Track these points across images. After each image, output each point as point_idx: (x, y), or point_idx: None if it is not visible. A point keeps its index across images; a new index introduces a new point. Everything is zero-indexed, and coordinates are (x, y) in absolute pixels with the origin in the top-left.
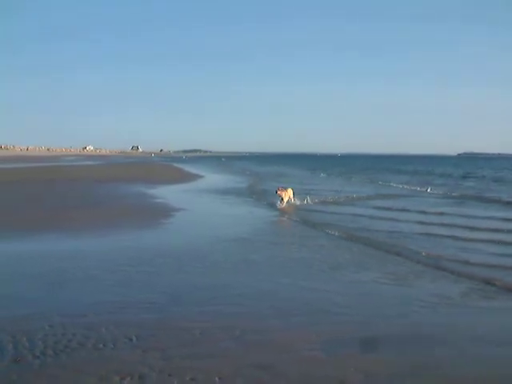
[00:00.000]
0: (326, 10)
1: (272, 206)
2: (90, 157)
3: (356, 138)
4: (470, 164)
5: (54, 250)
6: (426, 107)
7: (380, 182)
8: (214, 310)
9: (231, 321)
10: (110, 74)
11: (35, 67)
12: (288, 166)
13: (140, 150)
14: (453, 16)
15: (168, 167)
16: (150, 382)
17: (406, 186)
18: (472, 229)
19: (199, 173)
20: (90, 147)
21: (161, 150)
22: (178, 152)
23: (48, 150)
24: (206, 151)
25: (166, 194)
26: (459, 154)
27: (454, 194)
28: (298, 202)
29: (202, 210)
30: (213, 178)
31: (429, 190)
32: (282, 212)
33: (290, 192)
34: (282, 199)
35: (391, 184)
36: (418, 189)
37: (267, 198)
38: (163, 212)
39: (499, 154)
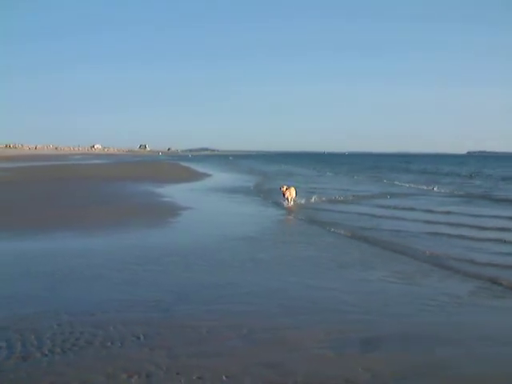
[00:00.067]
0: (326, 10)
1: (279, 204)
2: (97, 155)
3: (364, 136)
4: (478, 162)
5: (62, 249)
6: (436, 106)
7: (386, 181)
8: (221, 308)
9: (239, 319)
10: (118, 73)
11: (41, 66)
12: (295, 165)
13: (148, 148)
14: (453, 16)
15: (175, 166)
16: (157, 381)
17: (412, 185)
18: (479, 228)
19: (207, 171)
20: (97, 146)
21: (168, 149)
22: (186, 151)
23: (56, 148)
24: (213, 150)
25: (174, 192)
26: (469, 152)
27: (461, 193)
28: (300, 201)
29: (210, 208)
30: (220, 176)
31: (435, 189)
32: (289, 211)
33: (292, 191)
34: (287, 198)
35: (398, 183)
36: (425, 187)
37: (274, 197)
38: (171, 211)
39: (510, 152)
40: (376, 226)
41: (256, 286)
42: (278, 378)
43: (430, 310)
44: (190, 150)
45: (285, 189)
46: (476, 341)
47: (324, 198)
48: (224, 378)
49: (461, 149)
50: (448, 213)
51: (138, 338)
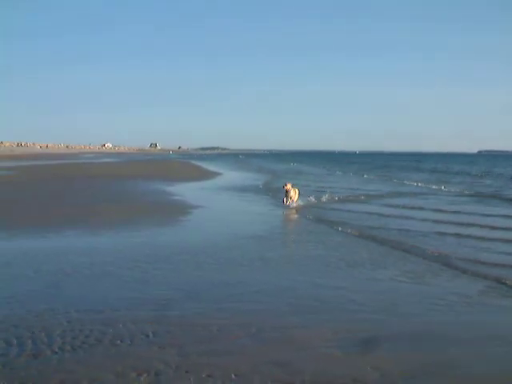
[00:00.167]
0: (326, 10)
1: (284, 203)
2: (108, 154)
3: (375, 136)
4: (488, 161)
5: (73, 246)
6: (446, 105)
7: (396, 180)
8: (231, 306)
9: (248, 318)
10: (130, 72)
11: (44, 65)
12: (305, 164)
13: (158, 147)
14: (453, 16)
15: (186, 164)
16: (166, 379)
17: (421, 184)
18: (489, 227)
19: (217, 170)
20: (108, 144)
21: (179, 148)
22: (197, 149)
23: (67, 147)
24: (224, 148)
25: (184, 191)
26: (479, 152)
27: (470, 193)
28: (310, 200)
29: (220, 207)
30: (230, 175)
31: (443, 188)
32: (298, 210)
33: (295, 192)
34: (290, 197)
35: (407, 182)
36: (434, 187)
37: (282, 196)
38: (181, 209)
39: None
40: (385, 226)
41: (265, 285)
42: (286, 376)
43: (438, 310)
44: (202, 149)
45: (288, 187)
46: (485, 340)
47: (337, 198)
48: (233, 376)
49: (471, 148)
50: (457, 212)
51: (148, 336)
